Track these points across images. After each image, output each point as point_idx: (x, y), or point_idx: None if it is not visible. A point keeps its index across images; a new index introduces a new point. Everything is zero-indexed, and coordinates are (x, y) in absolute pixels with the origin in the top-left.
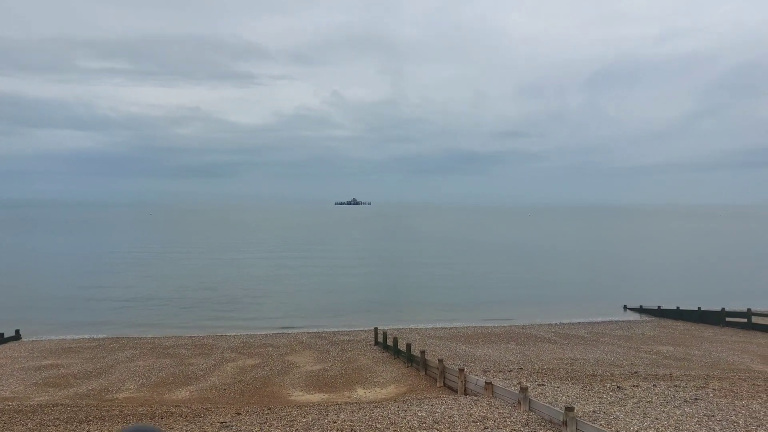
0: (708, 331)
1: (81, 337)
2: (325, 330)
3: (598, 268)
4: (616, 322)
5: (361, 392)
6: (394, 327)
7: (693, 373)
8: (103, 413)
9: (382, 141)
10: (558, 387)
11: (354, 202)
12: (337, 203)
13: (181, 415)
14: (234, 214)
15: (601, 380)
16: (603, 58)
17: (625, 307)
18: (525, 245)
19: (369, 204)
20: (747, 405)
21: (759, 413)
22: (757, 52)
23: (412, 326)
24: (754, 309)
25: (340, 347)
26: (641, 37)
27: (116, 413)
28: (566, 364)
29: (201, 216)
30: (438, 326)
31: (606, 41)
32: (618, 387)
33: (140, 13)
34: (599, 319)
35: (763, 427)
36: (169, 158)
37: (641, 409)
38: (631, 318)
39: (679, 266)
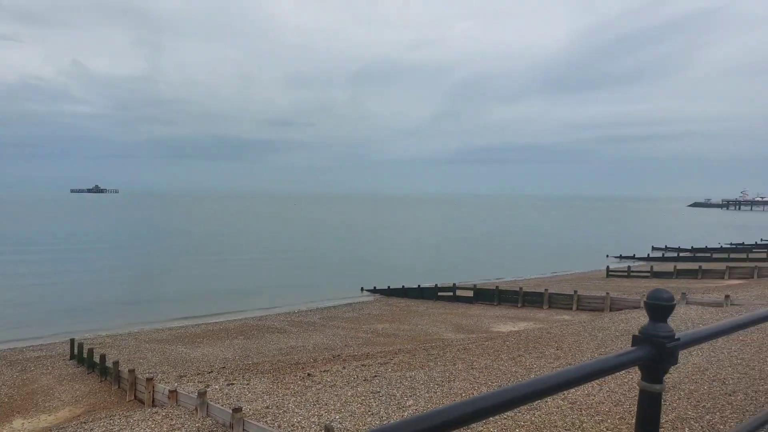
0: (422, 306)
1: None
2: (12, 347)
3: (346, 251)
4: (351, 304)
5: (18, 424)
6: (109, 333)
7: (390, 349)
8: None
9: (134, 121)
10: (247, 384)
11: (96, 190)
12: (73, 191)
13: None
14: None
15: (298, 368)
16: (365, 57)
17: (362, 288)
18: (285, 233)
19: (116, 192)
20: (413, 376)
21: (418, 382)
22: (486, 64)
23: (134, 329)
24: (459, 283)
25: (20, 367)
26: (397, 42)
27: None
28: (283, 354)
29: None
30: (164, 327)
31: (368, 41)
32: (308, 375)
33: None
34: (335, 303)
35: (414, 396)
36: None
37: (318, 396)
38: (365, 299)
39: (421, 247)
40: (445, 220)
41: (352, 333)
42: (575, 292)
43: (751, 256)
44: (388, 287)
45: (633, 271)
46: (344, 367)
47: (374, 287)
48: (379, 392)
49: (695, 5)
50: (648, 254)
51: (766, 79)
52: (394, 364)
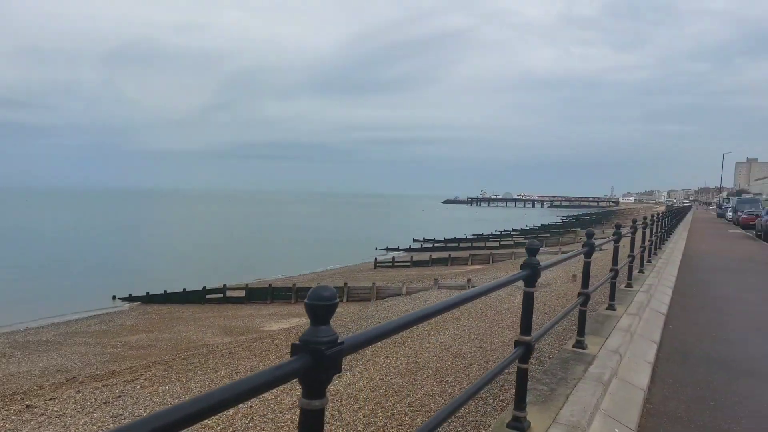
0: (188, 311)
1: None
2: None
3: (95, 255)
4: (99, 315)
5: None
6: None
7: (143, 362)
8: None
9: None
10: None
11: None
12: None
13: None
14: None
15: (14, 401)
16: (123, 36)
17: (114, 297)
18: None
19: None
20: (167, 390)
21: (172, 397)
22: (261, 58)
23: None
24: (230, 284)
25: None
26: (162, 23)
27: None
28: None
29: None
30: None
31: (127, 18)
32: (27, 406)
33: None
34: (78, 316)
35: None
36: None
37: (42, 429)
38: (119, 309)
39: (189, 247)
40: (216, 217)
41: (98, 349)
42: (345, 284)
43: (488, 244)
44: (147, 293)
45: (397, 262)
46: (79, 392)
47: (129, 295)
48: (122, 415)
49: (448, 25)
50: (410, 245)
51: (504, 96)
52: (145, 379)
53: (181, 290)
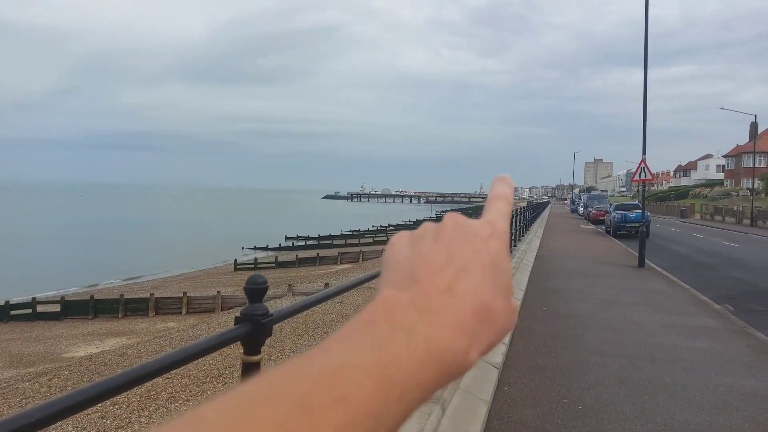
0: None
1: None
2: None
3: None
4: None
5: None
6: None
7: None
8: None
9: None
10: None
11: None
12: None
13: None
14: None
15: None
16: None
17: None
18: None
19: None
20: None
21: None
22: (121, 40)
23: None
24: (40, 297)
25: None
26: None
27: None
28: None
29: None
30: None
31: None
32: None
33: None
34: None
35: None
36: None
37: None
38: None
39: (9, 250)
40: (57, 213)
41: None
42: (184, 293)
43: (362, 241)
44: None
45: (260, 263)
46: None
47: None
48: None
49: (326, 19)
50: (280, 244)
51: (381, 93)
52: None
53: None
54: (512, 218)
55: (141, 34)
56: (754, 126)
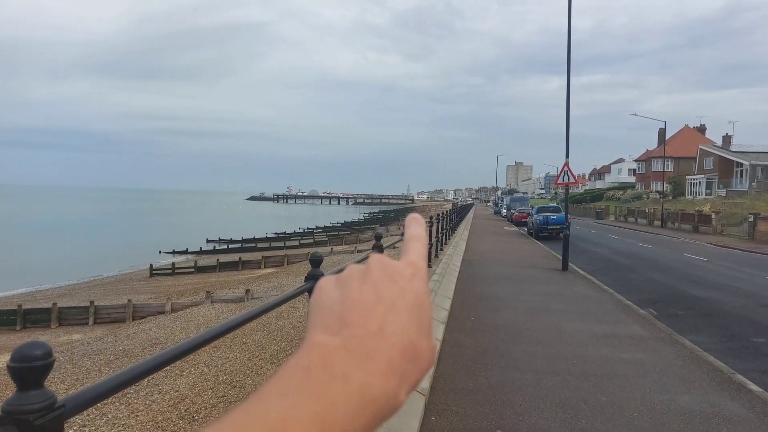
0: None
1: None
2: None
3: None
4: None
5: None
6: None
7: None
8: None
9: None
10: None
11: None
12: None
13: None
14: None
15: None
16: None
17: None
18: None
19: None
20: None
21: None
22: (23, 30)
23: None
24: None
25: None
26: None
27: None
28: None
29: None
30: None
31: None
32: None
33: None
34: None
35: None
36: None
37: None
38: None
39: None
40: None
41: None
42: (91, 303)
43: (288, 243)
44: None
45: (178, 268)
46: None
47: None
48: None
49: (247, 16)
50: (201, 248)
51: (305, 94)
52: None
53: None
54: (439, 221)
55: (47, 25)
56: (662, 132)
